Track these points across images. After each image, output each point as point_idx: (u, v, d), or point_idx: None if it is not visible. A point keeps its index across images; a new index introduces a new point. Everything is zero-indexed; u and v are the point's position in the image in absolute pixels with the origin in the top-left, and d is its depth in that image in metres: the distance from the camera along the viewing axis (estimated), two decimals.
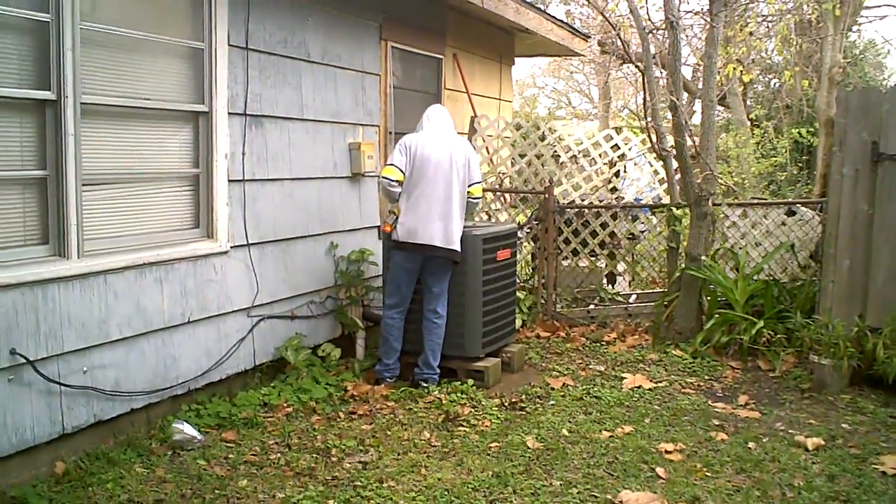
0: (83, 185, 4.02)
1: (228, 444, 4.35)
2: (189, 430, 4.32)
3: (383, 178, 5.31)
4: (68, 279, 3.92)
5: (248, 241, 5.07)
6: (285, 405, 4.91)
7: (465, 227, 5.54)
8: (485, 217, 7.84)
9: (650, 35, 7.98)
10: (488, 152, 8.19)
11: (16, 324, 3.66)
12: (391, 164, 5.28)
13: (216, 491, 3.77)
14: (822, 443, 4.43)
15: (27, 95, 3.79)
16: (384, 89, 6.60)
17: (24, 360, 3.69)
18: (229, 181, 4.91)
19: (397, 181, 5.27)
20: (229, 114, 4.90)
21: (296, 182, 5.53)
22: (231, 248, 4.94)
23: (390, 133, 6.68)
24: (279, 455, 4.23)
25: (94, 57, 4.09)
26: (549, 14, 9.19)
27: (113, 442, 4.22)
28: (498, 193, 8.05)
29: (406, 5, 6.80)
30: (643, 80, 7.43)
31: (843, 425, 4.77)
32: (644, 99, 7.36)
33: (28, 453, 3.76)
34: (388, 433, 4.57)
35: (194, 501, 3.68)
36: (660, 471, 4.05)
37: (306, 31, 5.56)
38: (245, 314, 5.09)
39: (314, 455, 4.24)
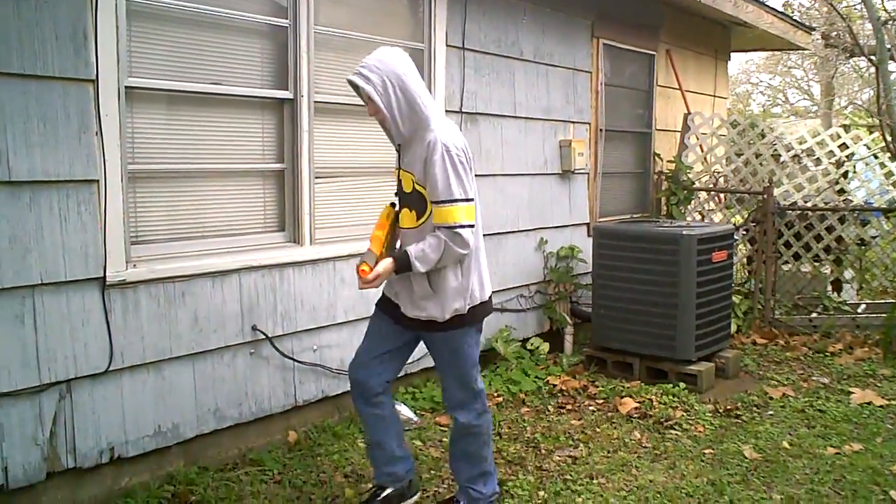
0: (315, 177, 4.31)
1: (442, 428, 4.49)
2: (406, 411, 4.50)
3: (469, 225, 3.06)
4: (302, 264, 4.22)
5: None
6: (495, 394, 5.00)
7: (677, 226, 5.33)
8: (698, 217, 7.56)
9: (885, 26, 7.33)
10: (702, 150, 7.89)
11: (257, 303, 3.99)
12: (472, 200, 3.10)
13: (431, 471, 3.92)
14: None
15: (269, 95, 4.11)
16: (595, 87, 6.54)
17: (264, 336, 4.03)
18: None
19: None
20: (446, 111, 5.05)
21: (507, 178, 5.61)
22: None
23: (601, 130, 6.61)
24: None
25: (325, 58, 4.37)
26: (769, 6, 8.69)
27: (337, 417, 4.49)
28: (712, 193, 7.74)
29: (619, 2, 6.70)
30: (876, 74, 6.83)
31: None
32: (877, 95, 6.76)
33: (264, 421, 4.10)
34: (598, 430, 4.52)
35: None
36: (894, 494, 3.70)
37: (520, 30, 5.62)
38: None
39: (524, 445, 4.28)
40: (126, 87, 3.46)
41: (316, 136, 4.30)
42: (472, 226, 3.06)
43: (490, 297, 3.32)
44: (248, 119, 4.07)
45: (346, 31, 4.47)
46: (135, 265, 3.52)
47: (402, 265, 3.07)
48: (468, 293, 3.16)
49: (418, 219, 3.14)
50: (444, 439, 4.32)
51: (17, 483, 3.17)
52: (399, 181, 3.22)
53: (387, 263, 3.07)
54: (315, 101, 4.27)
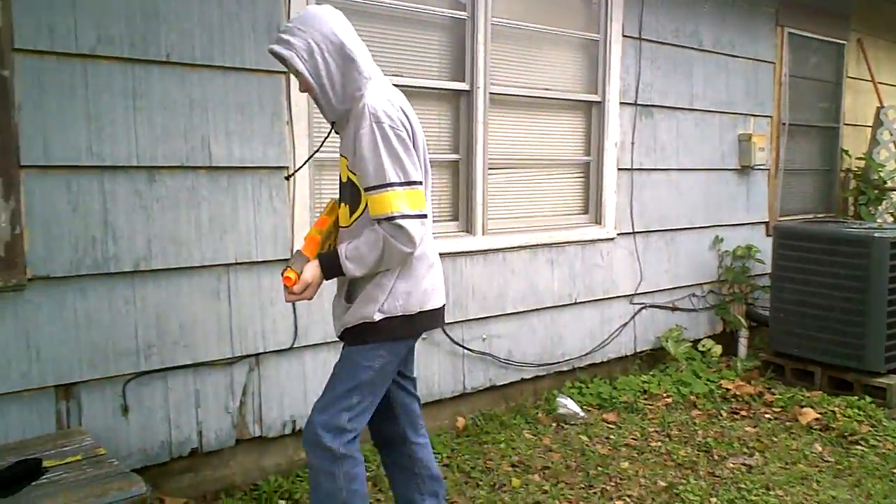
0: (488, 168, 4.34)
1: (609, 425, 4.42)
2: (572, 405, 4.46)
3: (416, 215, 2.39)
4: (473, 253, 4.26)
5: (633, 228, 5.09)
6: (664, 395, 4.86)
7: (867, 228, 4.95)
8: (889, 219, 7.01)
9: None
10: None
11: None
12: (416, 183, 2.42)
13: (598, 468, 3.85)
14: None
15: (446, 86, 4.18)
16: (778, 78, 6.20)
17: None
18: (618, 169, 4.97)
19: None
20: (620, 103, 4.95)
21: (682, 173, 5.42)
22: (617, 234, 5.00)
23: (783, 124, 6.26)
24: (659, 443, 4.19)
25: (501, 50, 4.39)
26: None
27: (504, 407, 4.52)
28: None
29: None
30: None
31: None
32: None
33: (434, 406, 4.17)
34: (774, 439, 4.29)
35: (577, 474, 3.79)
36: None
37: (699, 20, 5.41)
38: (627, 301, 5.13)
39: (695, 449, 4.13)
40: None
41: (490, 128, 4.33)
42: (419, 216, 2.37)
43: (440, 308, 2.65)
44: (425, 110, 4.15)
45: (522, 22, 4.47)
46: None
47: (330, 267, 2.45)
48: (406, 296, 2.49)
49: (351, 214, 2.49)
50: (611, 436, 4.26)
51: (209, 447, 3.41)
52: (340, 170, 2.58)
53: (313, 267, 2.46)
54: (490, 93, 4.30)
